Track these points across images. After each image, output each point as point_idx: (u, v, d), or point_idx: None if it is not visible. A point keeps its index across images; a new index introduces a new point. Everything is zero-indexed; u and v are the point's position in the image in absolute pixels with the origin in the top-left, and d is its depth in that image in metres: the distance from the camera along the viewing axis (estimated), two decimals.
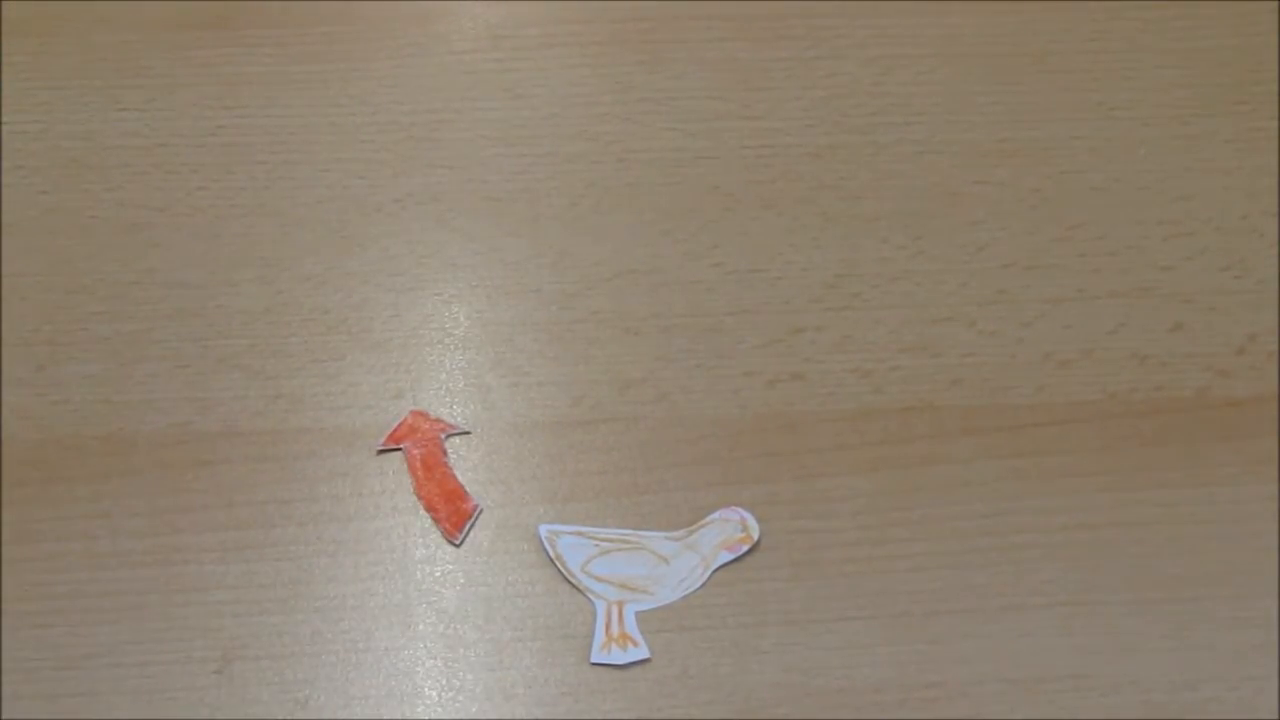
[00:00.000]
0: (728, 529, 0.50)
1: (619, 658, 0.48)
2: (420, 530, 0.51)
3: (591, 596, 0.49)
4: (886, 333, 0.54)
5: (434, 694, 0.48)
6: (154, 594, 0.50)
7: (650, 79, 0.60)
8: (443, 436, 0.52)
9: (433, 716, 0.48)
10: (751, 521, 0.50)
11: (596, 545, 0.50)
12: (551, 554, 0.50)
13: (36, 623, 0.49)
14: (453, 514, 0.51)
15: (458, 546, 0.51)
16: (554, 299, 0.55)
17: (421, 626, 0.49)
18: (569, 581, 0.50)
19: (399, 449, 0.52)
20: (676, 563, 0.50)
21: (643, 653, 0.48)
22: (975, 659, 0.48)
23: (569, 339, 0.54)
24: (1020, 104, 0.59)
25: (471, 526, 0.51)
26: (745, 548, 0.50)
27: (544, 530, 0.50)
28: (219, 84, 0.60)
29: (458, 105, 0.60)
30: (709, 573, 0.50)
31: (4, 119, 0.59)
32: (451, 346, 0.54)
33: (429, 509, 0.51)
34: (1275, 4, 0.61)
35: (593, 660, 0.48)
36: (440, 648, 0.49)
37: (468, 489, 0.51)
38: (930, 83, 0.60)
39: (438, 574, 0.50)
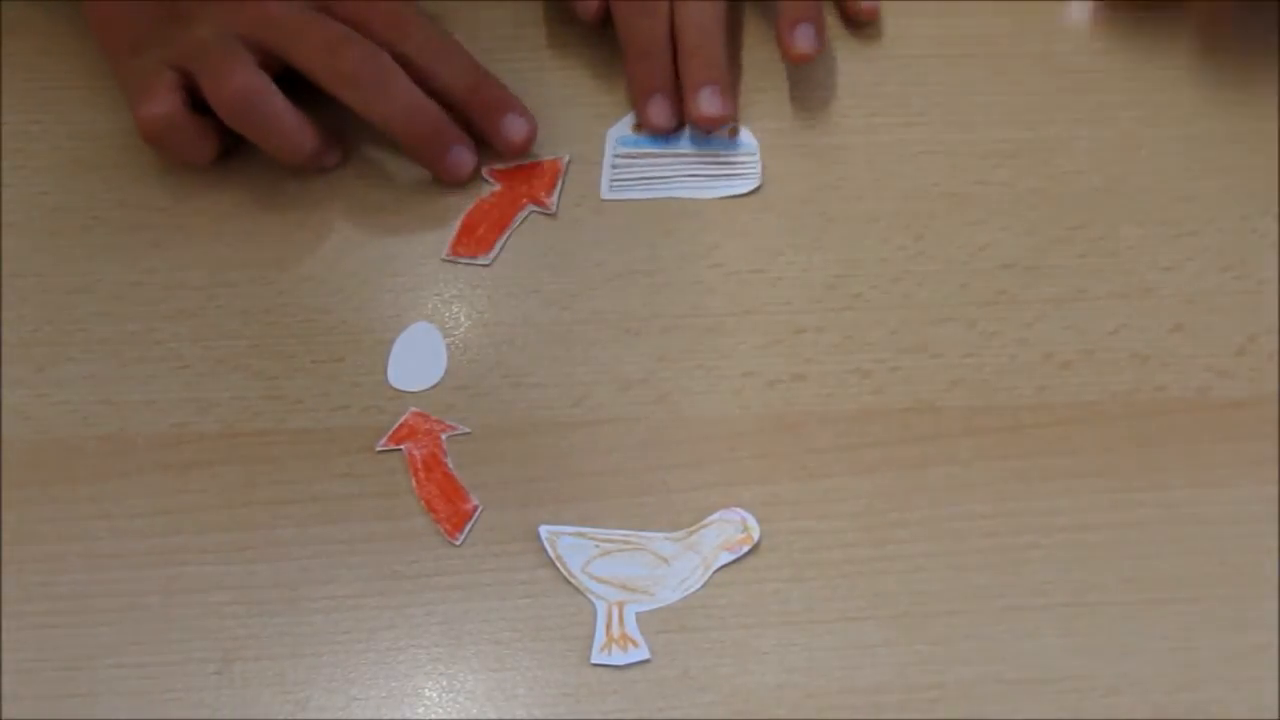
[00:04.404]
0: (728, 529, 0.50)
1: (619, 658, 0.48)
2: (420, 530, 0.51)
3: (592, 597, 0.49)
4: (886, 333, 0.54)
5: (434, 694, 0.48)
6: (154, 594, 0.50)
7: None
8: (443, 436, 0.52)
9: (433, 717, 0.48)
10: (752, 522, 0.50)
11: (597, 546, 0.50)
12: (552, 555, 0.50)
13: (36, 623, 0.49)
14: (453, 514, 0.51)
15: (458, 547, 0.51)
16: (554, 299, 0.55)
17: (421, 626, 0.49)
18: (569, 582, 0.50)
19: (399, 449, 0.52)
20: (677, 563, 0.50)
21: (643, 653, 0.48)
22: (975, 659, 0.48)
23: (569, 339, 0.54)
24: (1020, 104, 0.59)
25: (471, 527, 0.51)
26: (745, 548, 0.50)
27: (544, 531, 0.50)
28: None
29: None
30: (709, 573, 0.50)
31: (4, 119, 0.59)
32: (452, 346, 0.54)
33: (429, 509, 0.51)
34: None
35: (593, 661, 0.48)
36: (440, 648, 0.49)
37: (468, 489, 0.52)
38: (930, 83, 0.60)
39: (438, 574, 0.50)
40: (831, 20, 0.61)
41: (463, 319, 0.55)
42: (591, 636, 0.49)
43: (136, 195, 0.58)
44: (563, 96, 0.60)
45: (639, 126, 0.58)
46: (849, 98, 0.59)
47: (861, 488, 0.51)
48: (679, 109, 0.58)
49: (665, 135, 0.58)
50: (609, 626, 0.49)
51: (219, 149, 0.56)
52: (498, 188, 0.57)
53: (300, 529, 0.51)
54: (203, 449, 0.52)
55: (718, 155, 0.58)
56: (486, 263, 0.56)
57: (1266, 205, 0.57)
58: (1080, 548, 0.50)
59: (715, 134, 0.58)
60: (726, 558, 0.50)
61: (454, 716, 0.48)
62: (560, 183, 0.57)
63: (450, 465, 0.52)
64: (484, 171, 0.58)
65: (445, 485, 0.51)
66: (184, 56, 0.55)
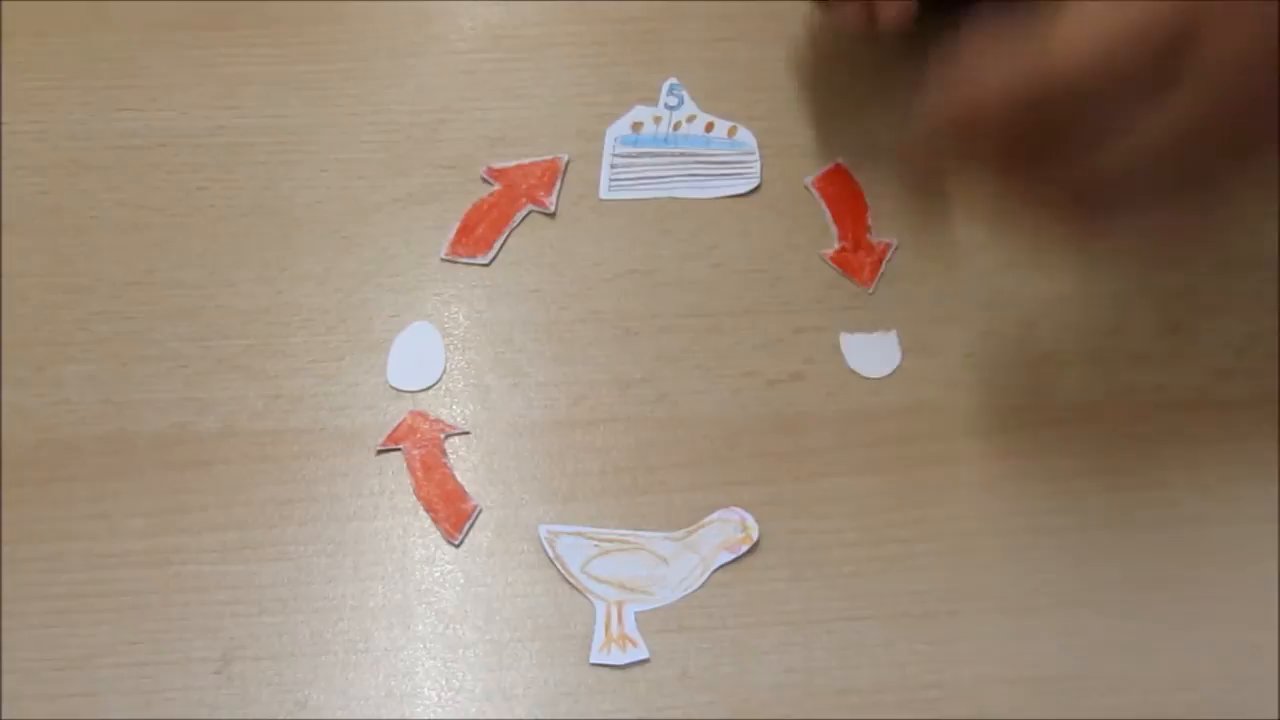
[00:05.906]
0: (727, 529, 0.50)
1: (619, 658, 0.48)
2: (420, 530, 0.51)
3: (591, 597, 0.49)
4: None
5: (434, 694, 0.48)
6: (154, 594, 0.50)
7: (650, 79, 0.60)
8: (442, 436, 0.52)
9: (432, 717, 0.48)
10: (751, 521, 0.50)
11: (596, 545, 0.50)
12: (551, 554, 0.50)
13: (36, 623, 0.49)
14: (452, 514, 0.51)
15: (457, 547, 0.51)
16: (554, 299, 0.55)
17: (421, 627, 0.49)
18: (569, 582, 0.50)
19: (398, 449, 0.52)
20: (676, 563, 0.50)
21: (642, 653, 0.48)
22: (975, 659, 0.48)
23: (569, 339, 0.54)
24: None
25: (471, 527, 0.51)
26: (745, 548, 0.50)
27: (544, 530, 0.50)
28: (219, 84, 0.60)
29: (458, 105, 0.60)
30: (709, 573, 0.50)
31: (4, 119, 0.59)
32: (451, 346, 0.54)
33: (429, 509, 0.51)
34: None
35: (592, 661, 0.48)
36: (440, 648, 0.49)
37: (468, 489, 0.52)
38: None
39: (437, 574, 0.50)
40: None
41: (462, 319, 0.55)
42: (591, 636, 0.49)
43: (136, 195, 0.58)
44: (562, 96, 0.60)
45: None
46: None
47: (861, 488, 0.51)
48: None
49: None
50: (608, 626, 0.49)
51: None
52: (497, 187, 0.57)
53: (300, 529, 0.51)
54: (203, 449, 0.52)
55: (717, 155, 0.58)
56: (485, 262, 0.56)
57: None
58: (1080, 547, 0.50)
59: (714, 134, 0.58)
60: (726, 557, 0.50)
61: (454, 716, 0.48)
62: (559, 182, 0.57)
63: (450, 465, 0.52)
64: (483, 171, 0.58)
65: (445, 485, 0.51)
66: None
